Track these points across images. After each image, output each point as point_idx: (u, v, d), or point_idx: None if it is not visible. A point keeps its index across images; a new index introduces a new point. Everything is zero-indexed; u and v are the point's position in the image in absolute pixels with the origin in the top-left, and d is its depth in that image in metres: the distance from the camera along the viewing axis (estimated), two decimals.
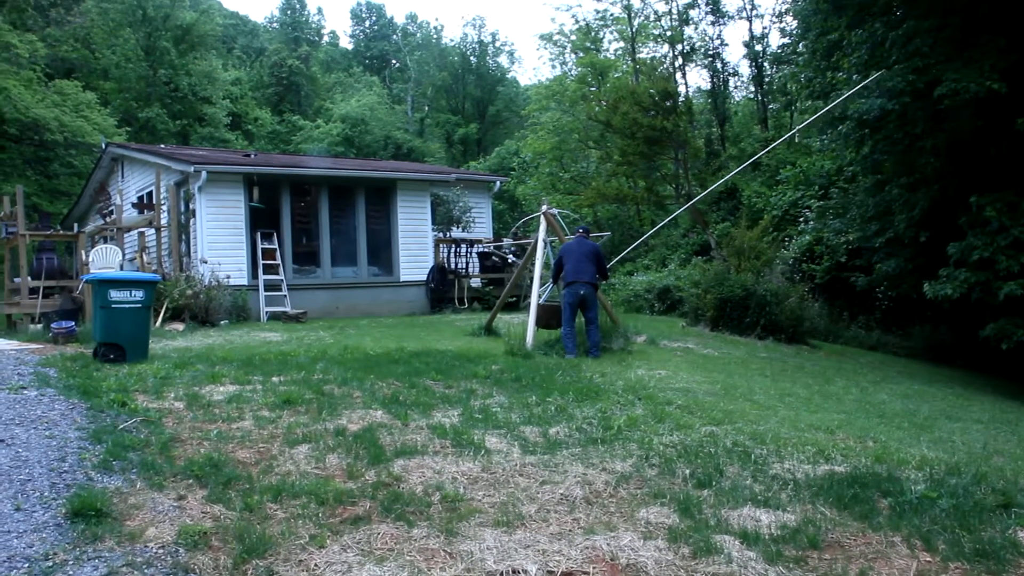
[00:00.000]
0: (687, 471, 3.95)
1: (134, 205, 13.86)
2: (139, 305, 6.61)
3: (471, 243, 15.54)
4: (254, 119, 37.78)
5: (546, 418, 5.05)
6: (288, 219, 13.65)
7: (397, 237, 14.63)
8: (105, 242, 13.99)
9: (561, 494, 3.63)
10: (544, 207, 8.99)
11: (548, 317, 8.67)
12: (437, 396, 5.58)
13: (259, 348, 7.97)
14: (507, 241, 15.69)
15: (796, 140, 20.31)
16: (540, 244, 8.78)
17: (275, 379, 5.99)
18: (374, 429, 4.66)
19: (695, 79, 46.97)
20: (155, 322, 10.32)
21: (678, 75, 26.90)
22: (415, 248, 14.80)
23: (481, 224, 17.52)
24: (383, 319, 13.03)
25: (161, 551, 3.02)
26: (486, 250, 15.74)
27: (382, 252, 14.97)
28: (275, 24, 51.83)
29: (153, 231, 13.29)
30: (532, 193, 26.91)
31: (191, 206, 12.95)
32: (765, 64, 26.05)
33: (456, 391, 5.77)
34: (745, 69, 33.59)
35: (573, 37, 29.73)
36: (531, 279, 9.65)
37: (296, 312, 12.38)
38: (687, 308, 13.46)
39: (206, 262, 12.36)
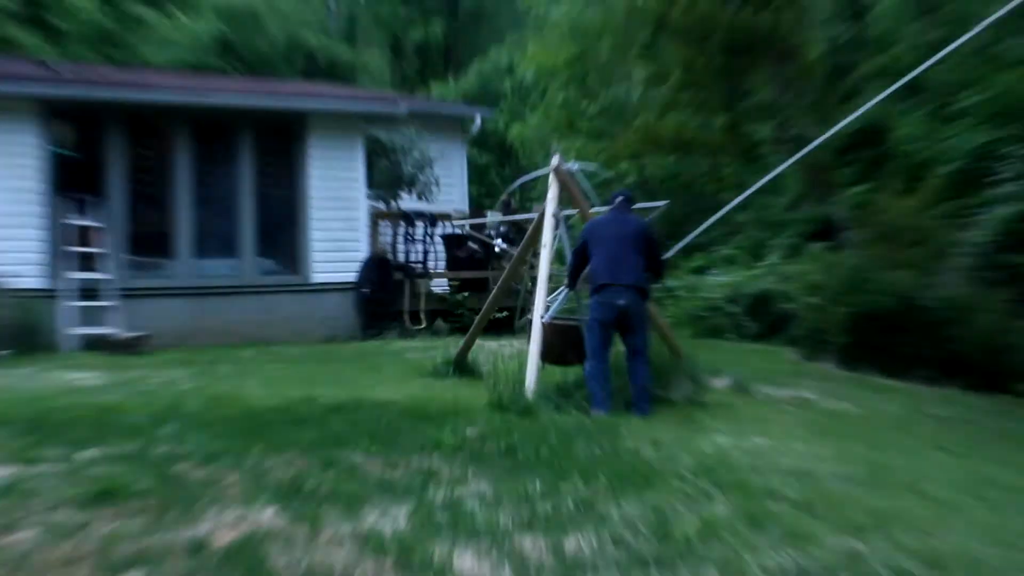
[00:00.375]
0: None
1: None
2: None
3: (432, 220, 15.53)
4: (64, 7, 37.51)
5: (559, 521, 4.90)
6: (120, 178, 13.59)
7: (307, 210, 14.62)
8: None
9: None
10: (556, 160, 8.94)
11: (562, 345, 8.61)
12: (372, 482, 5.42)
13: (60, 399, 7.89)
14: (492, 216, 15.63)
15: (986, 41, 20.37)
16: (549, 221, 8.71)
17: (86, 454, 5.83)
18: (259, 542, 4.49)
19: None
20: None
21: None
22: (337, 228, 14.78)
23: (450, 188, 17.39)
24: (282, 348, 12.93)
25: None
26: (458, 232, 15.70)
27: (281, 235, 14.86)
28: None
29: None
30: (536, 136, 26.94)
31: None
32: None
33: (404, 473, 5.61)
34: None
35: None
36: (533, 280, 9.55)
37: (131, 336, 12.29)
38: (800, 330, 13.37)
39: None
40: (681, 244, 10.36)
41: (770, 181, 23.84)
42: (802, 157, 18.30)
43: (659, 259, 8.38)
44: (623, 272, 8.04)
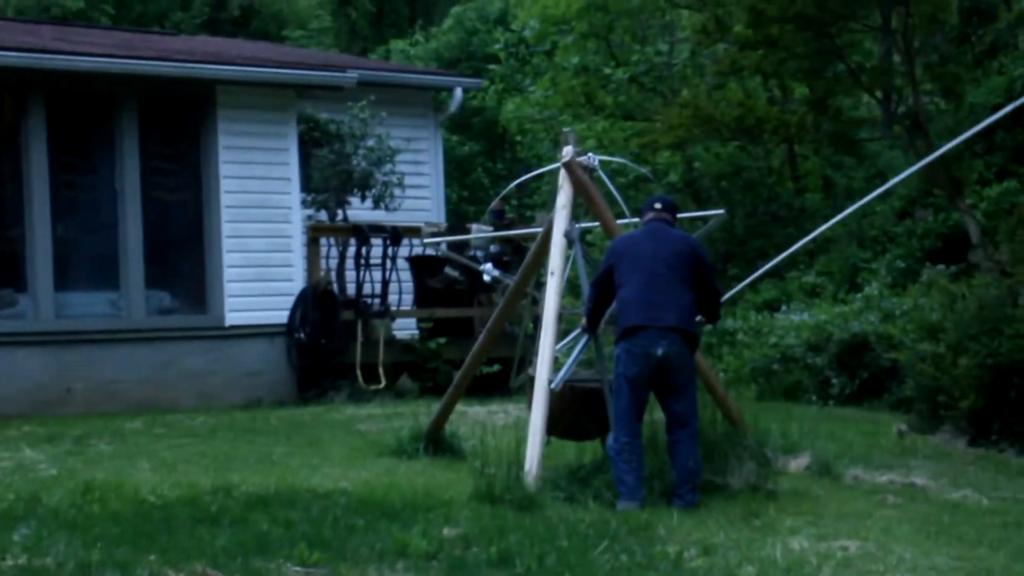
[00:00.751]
0: None
1: None
2: None
3: (395, 236, 15.61)
4: None
5: None
6: None
7: (217, 222, 14.69)
8: None
9: None
10: (570, 150, 9.07)
11: (576, 412, 8.74)
12: None
13: None
14: (479, 231, 15.75)
15: None
16: (559, 238, 8.85)
17: None
18: None
19: None
20: None
21: None
22: (261, 248, 14.88)
23: (420, 191, 17.49)
24: (184, 416, 13.00)
25: None
26: (431, 254, 15.81)
27: (181, 258, 14.96)
28: None
29: None
30: (539, 118, 27.08)
31: None
32: None
33: None
34: None
35: None
36: (536, 321, 9.66)
37: None
38: (910, 390, 13.43)
39: None
40: (750, 279, 10.43)
41: (870, 177, 23.98)
42: (919, 141, 18.49)
43: (714, 292, 8.49)
44: (663, 310, 8.11)
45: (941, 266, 16.77)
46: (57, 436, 11.18)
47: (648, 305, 8.12)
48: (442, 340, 15.55)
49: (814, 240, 23.44)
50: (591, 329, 8.67)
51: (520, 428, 9.13)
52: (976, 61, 21.99)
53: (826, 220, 22.93)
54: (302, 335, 14.69)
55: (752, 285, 21.10)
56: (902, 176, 14.10)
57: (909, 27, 18.32)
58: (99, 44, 15.88)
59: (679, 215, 9.01)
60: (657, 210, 8.60)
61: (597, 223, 9.62)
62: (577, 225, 9.14)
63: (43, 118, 13.95)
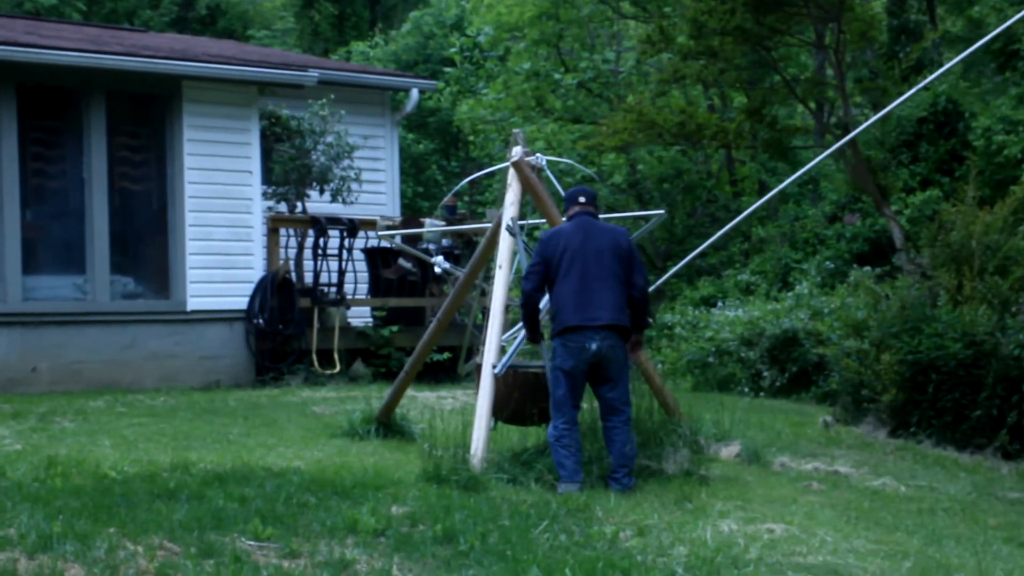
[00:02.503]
0: None
1: None
2: None
3: (351, 228, 15.61)
4: None
5: None
6: None
7: (181, 212, 14.64)
8: None
9: None
10: (519, 150, 9.09)
11: (521, 399, 8.74)
12: None
13: None
14: (432, 224, 15.76)
15: None
16: (505, 235, 8.88)
17: None
18: None
19: None
20: None
21: None
22: (223, 238, 14.85)
23: (377, 186, 17.47)
24: (146, 396, 12.97)
25: None
26: (386, 246, 15.81)
27: (145, 245, 14.89)
28: None
29: None
30: (491, 119, 27.11)
31: None
32: None
33: (308, 565, 5.73)
34: None
35: None
36: (484, 312, 9.68)
37: None
38: (836, 383, 13.56)
39: None
40: (678, 267, 10.44)
41: (804, 183, 24.18)
42: (848, 150, 18.66)
43: (644, 288, 8.39)
44: (598, 307, 8.08)
45: (867, 268, 16.97)
46: (22, 413, 11.13)
47: (583, 304, 8.07)
48: (395, 328, 15.56)
49: (748, 240, 23.64)
50: (533, 335, 8.45)
51: (467, 413, 9.16)
52: (903, 76, 22.16)
53: (760, 222, 23.22)
54: (261, 321, 14.66)
55: (689, 279, 21.24)
56: (817, 160, 14.22)
57: (841, 43, 18.47)
58: (70, 39, 15.78)
59: (623, 215, 9.04)
60: (583, 204, 8.47)
61: (544, 220, 9.64)
62: (522, 222, 9.16)
63: (14, 109, 13.85)
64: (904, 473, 9.93)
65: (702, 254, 22.28)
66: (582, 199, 8.50)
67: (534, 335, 8.44)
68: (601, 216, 8.74)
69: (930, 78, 14.23)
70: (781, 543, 6.75)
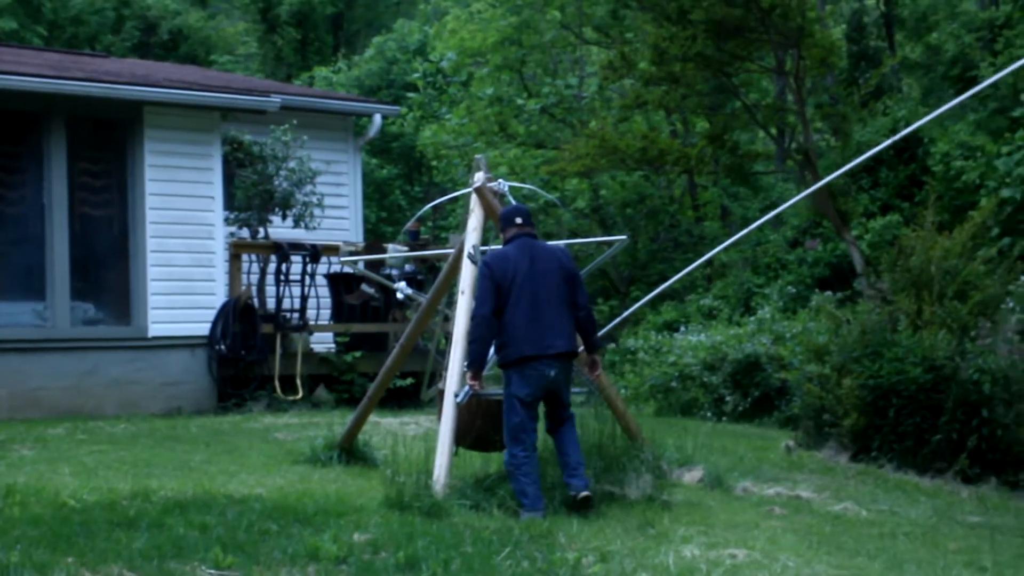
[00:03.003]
0: None
1: None
2: None
3: (314, 254, 15.59)
4: None
5: None
6: None
7: (142, 237, 14.60)
8: None
9: None
10: (481, 176, 9.11)
11: (484, 426, 8.74)
12: None
13: None
14: (395, 250, 15.76)
15: None
16: (467, 261, 8.89)
17: None
18: None
19: None
20: None
21: None
22: (184, 264, 14.80)
23: (339, 211, 17.46)
24: (106, 424, 12.87)
25: None
26: (349, 271, 15.79)
27: (106, 271, 14.81)
28: None
29: None
30: (454, 145, 27.19)
31: None
32: None
33: None
34: None
35: None
36: (447, 337, 9.68)
37: None
38: (797, 408, 13.62)
39: None
40: (643, 301, 10.45)
41: (764, 208, 24.29)
42: (808, 175, 18.80)
43: (589, 307, 8.40)
44: (553, 336, 8.04)
45: (828, 293, 17.05)
46: None
47: (538, 332, 8.03)
48: (358, 354, 15.53)
49: (711, 264, 23.76)
50: (477, 363, 8.14)
51: (430, 439, 9.16)
52: (863, 102, 22.42)
53: (729, 251, 23.34)
54: (223, 347, 14.61)
55: (653, 305, 21.31)
56: (791, 203, 14.32)
57: (801, 69, 18.62)
58: (30, 64, 15.74)
59: (586, 240, 9.05)
60: (520, 225, 8.32)
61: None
62: (484, 247, 9.17)
63: None
64: (865, 497, 9.98)
65: (664, 278, 22.37)
66: (519, 220, 8.36)
67: (481, 361, 8.18)
68: (561, 241, 8.76)
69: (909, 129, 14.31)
70: (743, 568, 6.78)
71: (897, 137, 10.97)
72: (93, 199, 14.78)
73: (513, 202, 9.55)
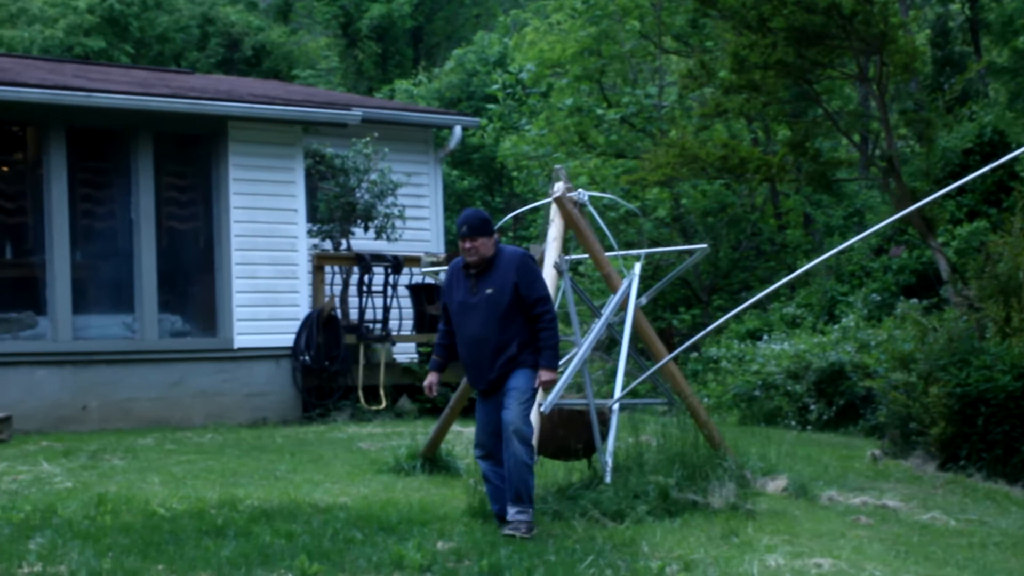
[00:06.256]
0: None
1: None
2: None
3: (396, 265, 15.64)
4: None
5: None
6: None
7: (227, 250, 14.74)
8: None
9: None
10: (561, 186, 9.12)
11: (565, 435, 8.79)
12: None
13: None
14: None
15: None
16: (549, 268, 8.94)
17: None
18: None
19: None
20: None
21: None
22: (268, 276, 14.93)
23: (420, 223, 17.53)
24: (194, 433, 13.05)
25: None
26: (430, 282, 15.84)
27: (192, 283, 15.00)
28: None
29: None
30: (534, 155, 27.21)
31: None
32: None
33: None
34: None
35: None
36: None
37: None
38: (884, 416, 13.46)
39: None
40: (729, 315, 10.34)
41: (850, 215, 24.09)
42: (892, 181, 18.62)
43: (543, 297, 7.81)
44: (485, 369, 7.82)
45: (914, 300, 16.84)
46: (73, 451, 11.22)
47: (474, 366, 7.96)
48: None
49: (790, 281, 23.55)
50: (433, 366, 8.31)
51: None
52: (947, 107, 22.12)
53: (806, 255, 23.15)
54: (307, 358, 14.71)
55: (737, 319, 21.18)
56: (883, 224, 14.17)
57: (884, 75, 18.42)
58: (118, 81, 15.93)
59: (667, 249, 8.96)
60: (464, 233, 7.79)
61: (587, 255, 9.67)
62: (567, 257, 9.18)
63: (64, 151, 13.99)
64: (954, 507, 9.86)
65: (746, 287, 22.24)
66: (463, 228, 7.78)
67: (441, 363, 8.32)
68: (644, 250, 8.70)
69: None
70: None
71: (996, 164, 10.42)
72: (179, 213, 14.99)
73: (593, 212, 9.57)
